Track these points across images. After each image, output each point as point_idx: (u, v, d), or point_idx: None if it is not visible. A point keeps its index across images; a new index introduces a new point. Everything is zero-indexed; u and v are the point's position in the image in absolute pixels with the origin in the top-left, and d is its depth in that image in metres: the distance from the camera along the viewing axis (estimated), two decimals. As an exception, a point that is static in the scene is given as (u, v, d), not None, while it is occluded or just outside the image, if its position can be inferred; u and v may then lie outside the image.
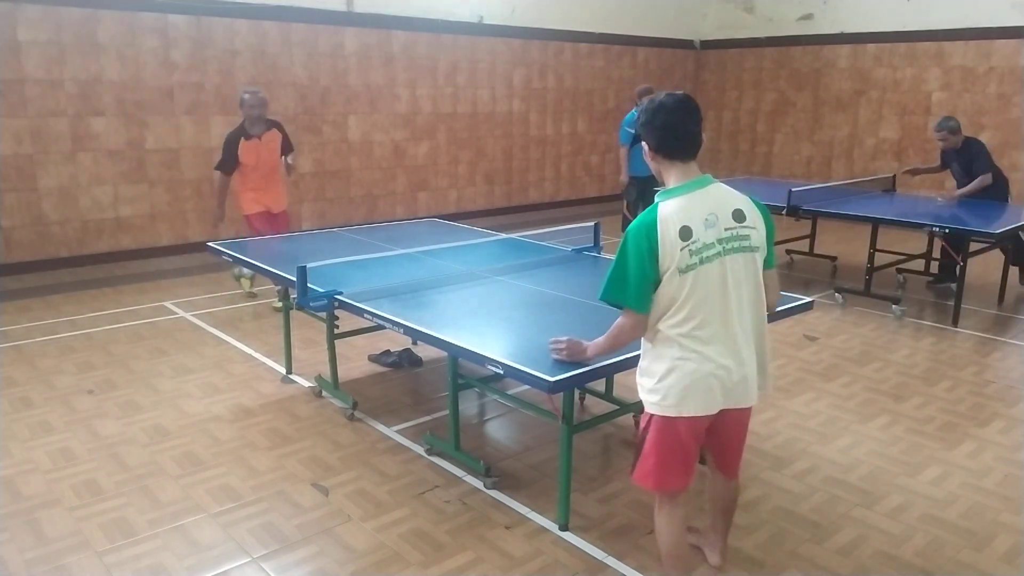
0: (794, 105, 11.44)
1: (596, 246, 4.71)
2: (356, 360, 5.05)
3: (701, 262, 2.26)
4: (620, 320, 2.41)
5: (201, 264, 7.40)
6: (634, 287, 2.29)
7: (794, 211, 6.69)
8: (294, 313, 4.57)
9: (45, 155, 6.86)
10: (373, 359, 5.06)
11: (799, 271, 7.73)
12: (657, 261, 2.26)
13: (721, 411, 2.41)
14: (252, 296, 6.48)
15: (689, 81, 12.51)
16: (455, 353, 3.25)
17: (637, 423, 3.42)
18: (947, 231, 5.97)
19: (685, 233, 2.25)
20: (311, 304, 3.73)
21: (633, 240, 2.29)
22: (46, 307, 6.24)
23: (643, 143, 2.40)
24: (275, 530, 3.14)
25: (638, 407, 3.43)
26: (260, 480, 3.55)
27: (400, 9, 8.89)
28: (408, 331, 3.33)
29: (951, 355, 5.36)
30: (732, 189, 2.41)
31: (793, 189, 6.80)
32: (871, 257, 6.46)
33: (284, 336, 4.83)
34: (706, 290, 2.28)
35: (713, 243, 2.28)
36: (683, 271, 2.26)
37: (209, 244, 4.94)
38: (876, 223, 6.41)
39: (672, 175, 2.37)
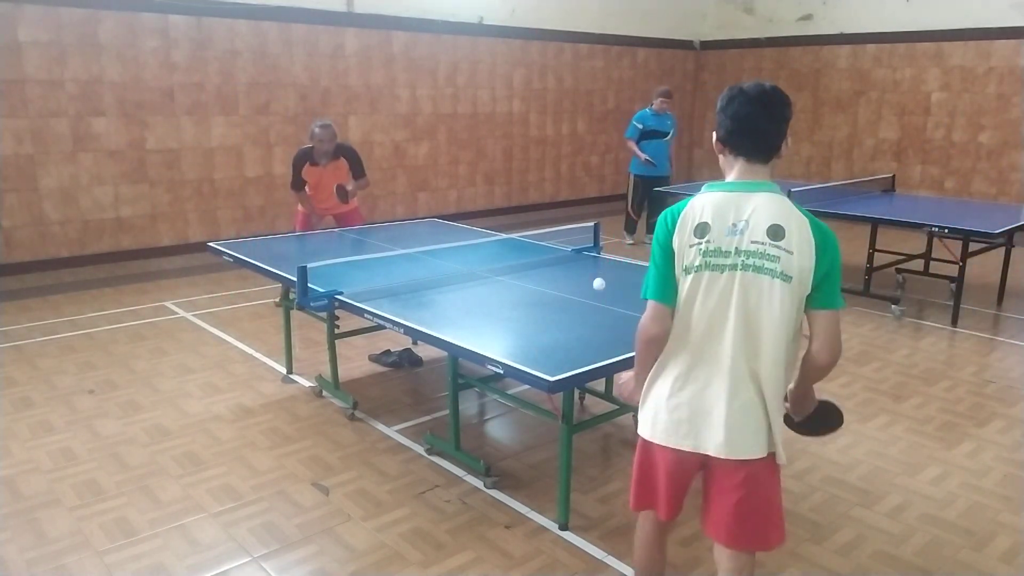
0: (794, 105, 11.41)
1: (596, 246, 4.72)
2: (356, 360, 5.06)
3: (707, 267, 1.99)
4: (643, 317, 2.13)
5: (202, 264, 7.41)
6: (652, 275, 2.08)
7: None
8: (294, 313, 4.58)
9: (46, 155, 6.87)
10: (373, 359, 5.06)
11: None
12: (673, 253, 2.03)
13: (708, 456, 2.08)
14: None
15: (689, 81, 12.51)
16: (455, 353, 3.25)
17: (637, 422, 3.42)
18: (947, 231, 5.98)
19: (701, 230, 1.99)
20: (311, 304, 3.73)
21: (658, 227, 2.09)
22: (47, 307, 6.24)
23: (715, 131, 2.17)
24: (275, 530, 3.15)
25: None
26: (260, 480, 3.55)
27: (400, 9, 8.89)
28: (408, 331, 3.34)
29: (950, 355, 5.36)
30: (791, 204, 2.03)
31: (793, 189, 6.80)
32: (870, 257, 6.47)
33: (284, 336, 4.83)
34: (705, 302, 2.01)
35: (730, 251, 1.97)
36: (686, 271, 2.01)
37: (209, 244, 4.95)
38: (875, 223, 6.41)
39: (731, 172, 2.10)
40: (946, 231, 5.93)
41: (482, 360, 2.93)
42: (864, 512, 3.34)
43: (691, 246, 2.01)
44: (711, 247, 1.99)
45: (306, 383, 4.70)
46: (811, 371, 2.14)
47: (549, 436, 3.95)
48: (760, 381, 2.03)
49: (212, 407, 4.36)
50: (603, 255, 4.76)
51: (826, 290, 2.05)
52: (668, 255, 2.05)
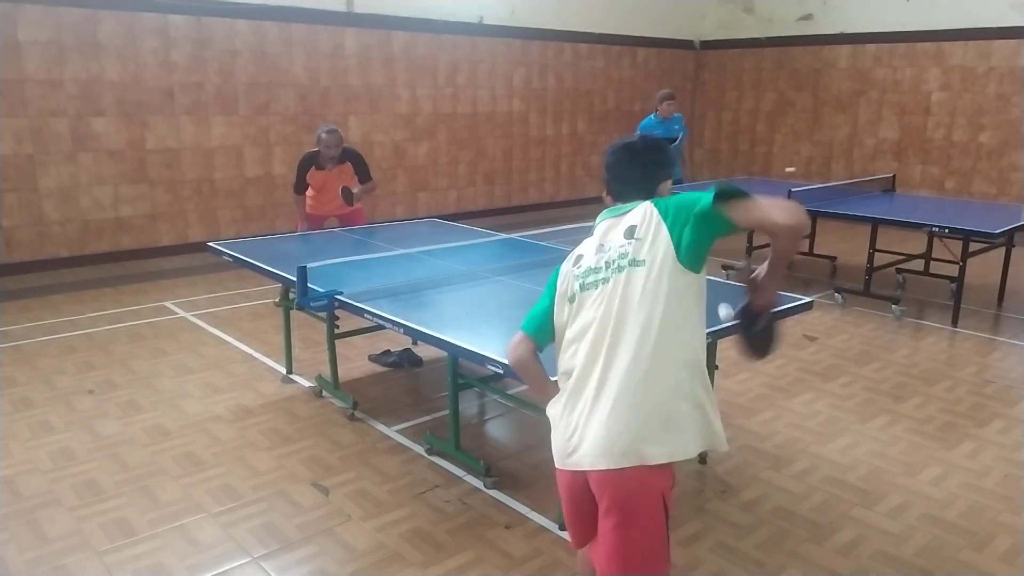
0: (794, 105, 11.44)
1: (596, 246, 4.71)
2: (356, 360, 5.05)
3: (582, 288, 2.02)
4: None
5: (201, 264, 7.40)
6: (535, 308, 2.19)
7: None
8: (294, 313, 4.58)
9: (45, 155, 6.87)
10: (373, 359, 5.06)
11: (799, 271, 7.73)
12: (555, 288, 2.13)
13: (587, 474, 1.96)
14: None
15: (689, 81, 12.51)
16: (455, 353, 3.25)
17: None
18: (947, 231, 5.97)
19: (576, 259, 2.10)
20: (311, 304, 3.73)
21: (555, 272, 2.19)
22: (46, 307, 6.24)
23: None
24: (275, 530, 3.15)
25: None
26: (260, 480, 3.55)
27: (400, 9, 8.89)
28: (408, 331, 3.33)
29: (951, 355, 5.36)
30: (650, 206, 2.00)
31: (793, 189, 6.80)
32: (871, 257, 6.46)
33: (284, 336, 4.83)
34: (582, 320, 2.00)
35: (600, 267, 1.99)
36: (570, 301, 2.05)
37: (209, 244, 4.95)
38: (876, 223, 6.41)
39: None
40: (946, 231, 5.92)
41: (482, 360, 2.93)
42: (864, 512, 3.33)
43: (569, 278, 2.09)
44: (582, 269, 2.05)
45: (306, 383, 4.70)
46: (775, 242, 1.96)
47: (549, 436, 3.94)
48: (638, 380, 1.88)
49: (212, 407, 4.36)
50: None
51: (703, 206, 1.88)
52: (551, 290, 2.15)
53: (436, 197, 9.76)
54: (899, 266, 7.08)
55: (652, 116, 8.43)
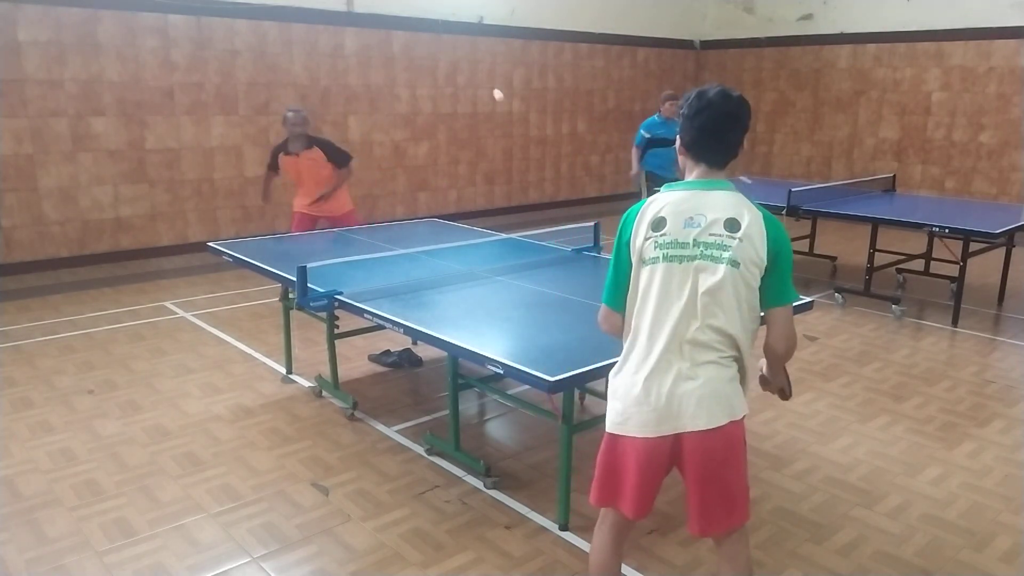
0: (794, 105, 11.44)
1: (596, 246, 4.72)
2: (356, 360, 5.05)
3: (664, 259, 2.07)
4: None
5: (201, 264, 7.40)
6: (610, 277, 2.23)
7: (794, 211, 6.69)
8: (294, 313, 4.57)
9: (45, 155, 6.86)
10: (373, 359, 5.06)
11: (799, 271, 7.71)
12: (630, 249, 2.15)
13: (678, 437, 2.09)
14: None
15: (689, 81, 12.50)
16: (455, 353, 3.25)
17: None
18: (947, 231, 5.97)
19: (657, 224, 2.09)
20: (311, 304, 3.73)
21: (621, 225, 2.19)
22: (46, 307, 6.24)
23: (678, 135, 2.21)
24: (275, 530, 3.15)
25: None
26: (260, 480, 3.55)
27: (400, 9, 8.89)
28: (408, 331, 3.33)
29: (951, 355, 5.36)
30: (746, 200, 2.13)
31: (793, 189, 6.80)
32: (871, 257, 6.46)
33: (284, 336, 4.83)
34: (663, 292, 2.07)
35: (687, 243, 2.05)
36: (644, 263, 2.11)
37: (209, 244, 4.94)
38: (876, 223, 6.41)
39: (691, 174, 2.19)
40: (946, 231, 5.92)
41: (482, 360, 2.93)
42: (865, 512, 3.33)
43: (647, 239, 2.10)
44: (667, 239, 2.08)
45: (306, 383, 4.69)
46: (771, 359, 2.37)
47: (549, 436, 3.94)
48: (717, 355, 2.09)
49: (212, 407, 4.35)
50: (603, 255, 4.75)
51: (777, 284, 2.13)
52: (626, 253, 2.17)
53: (436, 197, 9.76)
54: (899, 266, 7.08)
55: (656, 116, 8.41)
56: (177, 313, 6.14)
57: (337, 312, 3.91)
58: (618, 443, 2.18)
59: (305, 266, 3.72)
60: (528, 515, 3.26)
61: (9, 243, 6.82)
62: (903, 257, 7.04)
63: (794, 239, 8.79)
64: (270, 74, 8.01)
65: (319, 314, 4.10)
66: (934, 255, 6.87)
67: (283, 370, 4.86)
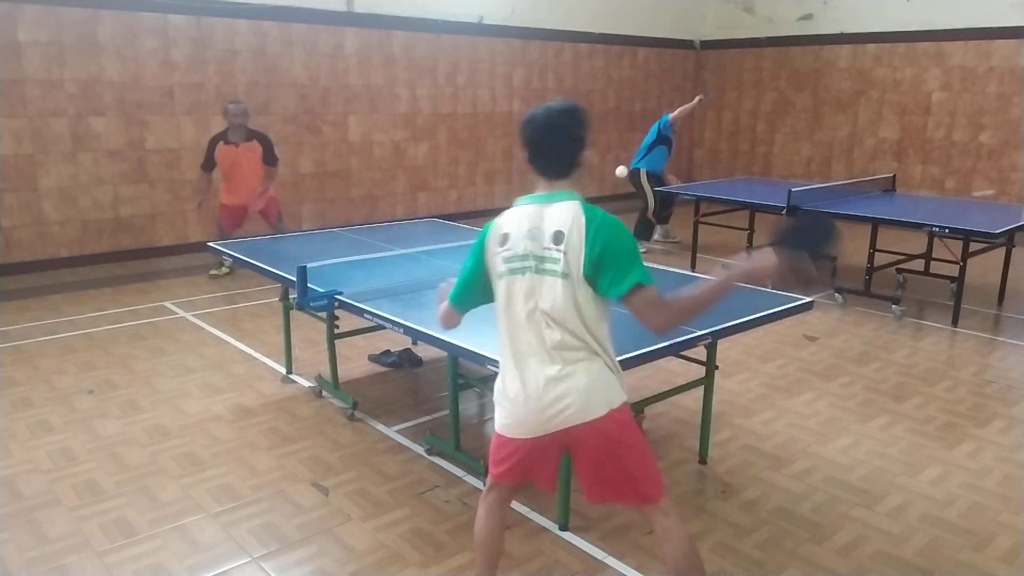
0: (794, 105, 11.44)
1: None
2: (356, 360, 5.05)
3: (510, 272, 2.23)
4: (444, 303, 2.51)
5: (201, 264, 7.39)
6: (458, 280, 2.43)
7: (794, 211, 6.69)
8: (294, 313, 4.57)
9: (45, 155, 6.87)
10: (373, 359, 5.06)
11: (799, 271, 7.72)
12: (482, 260, 2.31)
13: (565, 431, 2.22)
14: (215, 278, 7.09)
15: (689, 81, 12.51)
16: (455, 353, 3.25)
17: (639, 422, 3.41)
18: (947, 231, 5.97)
19: (503, 239, 2.24)
20: (311, 304, 3.73)
21: (478, 235, 2.36)
22: (46, 307, 6.24)
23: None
24: (275, 530, 3.15)
25: (638, 406, 3.43)
26: (260, 480, 3.55)
27: (400, 9, 8.89)
28: (408, 331, 3.33)
29: (951, 355, 5.36)
30: (579, 210, 2.18)
31: (793, 189, 6.80)
32: (871, 257, 6.46)
33: (284, 336, 4.83)
34: (513, 304, 2.23)
35: (528, 255, 2.19)
36: (499, 277, 2.27)
37: (209, 244, 4.95)
38: (876, 223, 6.40)
39: (537, 187, 2.30)
40: (946, 231, 5.92)
41: (482, 360, 2.93)
42: (864, 512, 3.33)
43: (495, 254, 2.26)
44: (509, 254, 2.22)
45: (306, 383, 4.69)
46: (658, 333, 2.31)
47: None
48: (578, 354, 2.19)
49: (212, 407, 4.35)
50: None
51: (614, 277, 2.14)
52: (476, 259, 2.33)
53: (436, 197, 9.76)
54: (899, 266, 7.08)
55: (667, 115, 8.39)
56: (177, 313, 6.14)
57: (337, 312, 3.91)
58: (509, 441, 2.34)
59: (305, 266, 3.72)
60: (528, 515, 3.26)
61: (9, 243, 6.82)
62: (903, 257, 7.04)
63: (794, 239, 8.69)
64: (270, 74, 8.02)
65: (319, 314, 4.10)
66: (934, 255, 6.87)
67: (283, 370, 4.86)
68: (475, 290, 2.38)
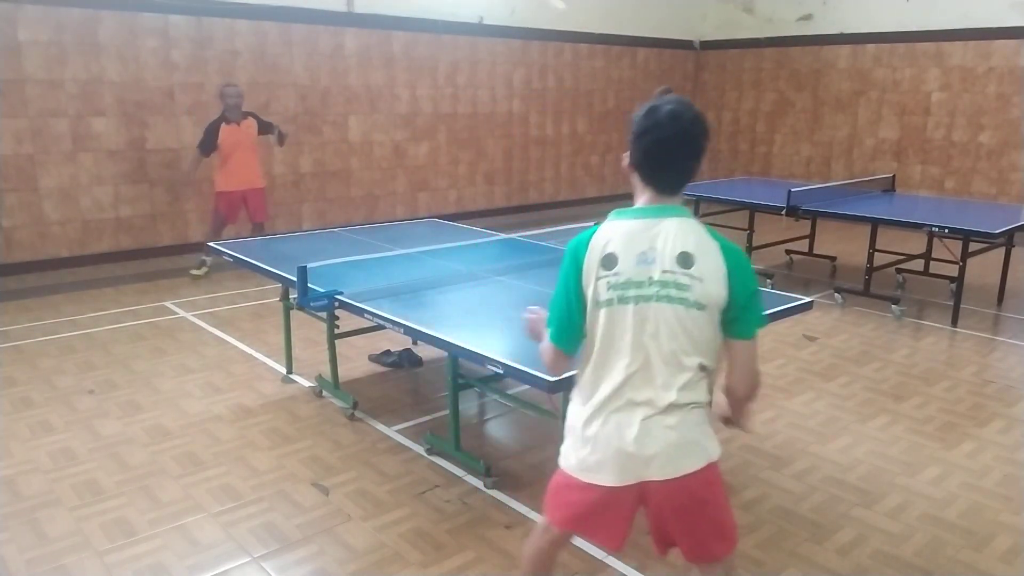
0: (793, 105, 11.44)
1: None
2: (356, 360, 5.06)
3: (620, 301, 1.90)
4: (544, 343, 2.09)
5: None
6: (557, 313, 2.01)
7: (793, 211, 6.70)
8: (294, 313, 4.58)
9: (45, 155, 6.87)
10: (373, 359, 5.06)
11: (799, 271, 7.74)
12: (582, 286, 1.96)
13: (646, 485, 1.96)
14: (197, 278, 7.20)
15: (689, 81, 12.51)
16: (455, 353, 3.26)
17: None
18: (947, 231, 5.97)
19: (608, 262, 1.91)
20: (311, 304, 3.73)
21: (566, 257, 2.00)
22: (46, 307, 6.24)
23: (629, 152, 2.00)
24: (275, 530, 3.15)
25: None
26: (260, 480, 3.55)
27: (400, 9, 8.89)
28: (408, 331, 3.34)
29: (951, 355, 5.36)
30: (701, 229, 1.95)
31: (793, 189, 6.80)
32: (870, 257, 6.46)
33: (284, 336, 4.83)
34: (618, 335, 1.92)
35: (642, 282, 1.89)
36: (598, 305, 1.93)
37: (210, 244, 4.94)
38: (875, 223, 6.41)
39: (640, 198, 2.01)
40: (946, 231, 5.93)
41: (482, 360, 2.93)
42: (864, 512, 3.33)
43: (599, 279, 1.92)
44: (620, 280, 1.91)
45: (306, 383, 4.70)
46: (732, 401, 2.11)
47: (549, 436, 3.94)
48: (678, 404, 1.94)
49: (212, 407, 4.36)
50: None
51: (744, 318, 1.95)
52: (579, 288, 1.96)
53: (436, 197, 9.76)
54: (899, 266, 7.09)
55: None
56: (177, 313, 6.15)
57: (337, 312, 3.91)
58: (585, 486, 2.02)
59: (305, 266, 3.73)
60: (528, 515, 3.27)
61: (9, 243, 6.82)
62: (903, 257, 7.04)
63: (794, 239, 8.81)
64: (270, 74, 8.01)
65: (319, 314, 4.11)
66: (934, 255, 6.88)
67: (283, 370, 4.86)
68: (581, 323, 1.99)
